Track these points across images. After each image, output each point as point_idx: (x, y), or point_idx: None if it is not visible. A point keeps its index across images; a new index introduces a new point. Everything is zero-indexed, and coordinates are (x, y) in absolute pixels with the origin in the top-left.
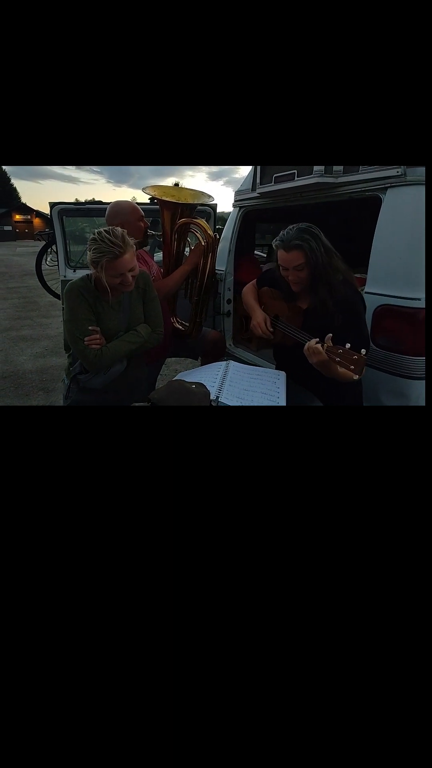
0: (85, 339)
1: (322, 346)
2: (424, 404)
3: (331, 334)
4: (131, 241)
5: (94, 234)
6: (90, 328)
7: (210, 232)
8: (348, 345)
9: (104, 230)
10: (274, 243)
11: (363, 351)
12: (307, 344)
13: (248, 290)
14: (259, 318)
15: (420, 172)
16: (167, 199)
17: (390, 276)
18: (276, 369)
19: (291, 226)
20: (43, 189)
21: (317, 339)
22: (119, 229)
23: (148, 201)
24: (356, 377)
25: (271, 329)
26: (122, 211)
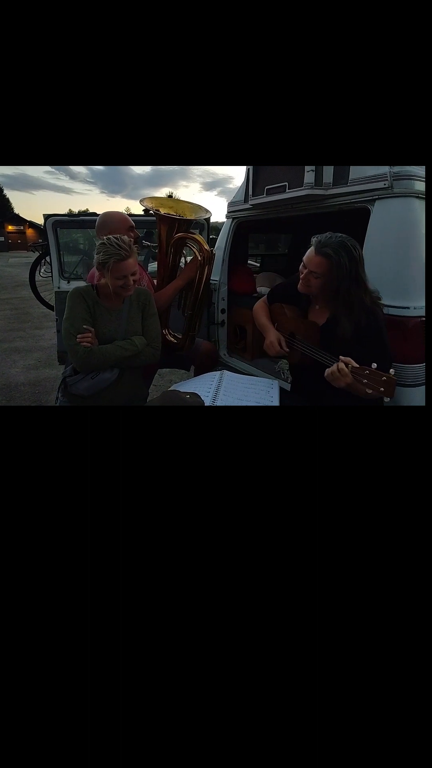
0: (78, 336)
1: (348, 367)
2: None
3: (350, 359)
4: (136, 249)
5: (103, 239)
6: (84, 327)
7: (206, 247)
8: (374, 365)
9: (113, 236)
10: (312, 238)
11: (392, 371)
12: (332, 368)
13: (259, 308)
14: (272, 337)
15: (406, 184)
16: (165, 212)
17: (379, 285)
18: (291, 388)
19: (337, 234)
20: (36, 200)
21: (347, 360)
22: (126, 237)
23: (143, 212)
24: (387, 399)
25: (287, 349)
26: (111, 221)
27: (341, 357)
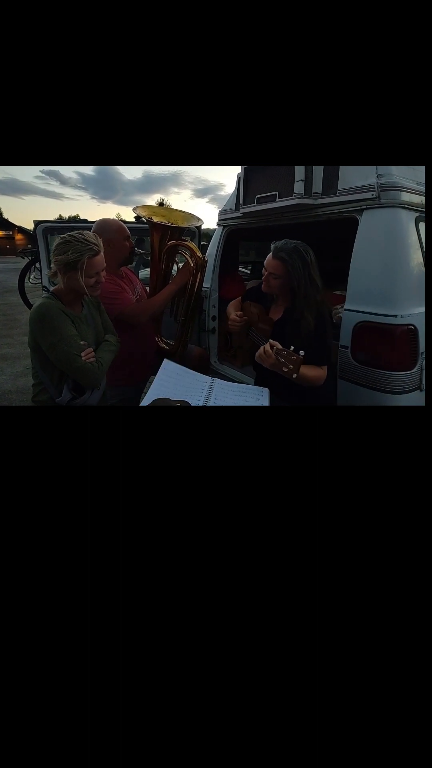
0: (82, 354)
1: (272, 349)
2: None
3: (275, 341)
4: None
5: (65, 237)
6: (81, 342)
7: (199, 254)
8: (291, 347)
9: (75, 233)
10: (272, 244)
11: (301, 353)
12: (260, 350)
13: (231, 304)
14: (231, 315)
15: (393, 195)
16: (158, 220)
17: (367, 294)
18: (255, 380)
19: (292, 241)
20: (25, 205)
21: (273, 343)
22: (87, 231)
23: (134, 219)
24: (294, 376)
25: (240, 313)
26: (108, 229)
27: (270, 340)
